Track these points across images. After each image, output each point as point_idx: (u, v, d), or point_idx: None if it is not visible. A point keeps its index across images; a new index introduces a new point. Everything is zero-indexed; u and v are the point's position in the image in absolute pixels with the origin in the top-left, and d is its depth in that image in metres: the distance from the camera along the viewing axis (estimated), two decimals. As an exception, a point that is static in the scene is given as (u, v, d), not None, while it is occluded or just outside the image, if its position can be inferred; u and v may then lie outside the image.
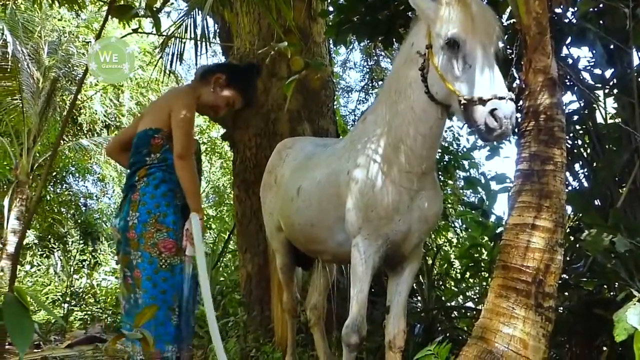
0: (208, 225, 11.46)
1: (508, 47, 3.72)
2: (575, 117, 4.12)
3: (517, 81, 2.86)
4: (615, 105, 4.09)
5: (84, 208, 16.06)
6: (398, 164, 2.95)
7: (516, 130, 2.85)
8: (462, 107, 2.48)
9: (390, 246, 3.09)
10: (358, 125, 3.44)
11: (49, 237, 14.56)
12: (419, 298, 5.37)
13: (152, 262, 3.04)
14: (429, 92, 2.74)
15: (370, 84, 11.45)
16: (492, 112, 2.36)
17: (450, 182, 7.47)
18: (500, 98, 2.37)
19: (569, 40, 3.89)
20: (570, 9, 3.77)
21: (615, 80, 3.92)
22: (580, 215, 3.94)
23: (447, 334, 4.38)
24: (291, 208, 3.63)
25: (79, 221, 15.07)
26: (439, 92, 2.67)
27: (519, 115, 2.90)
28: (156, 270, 3.04)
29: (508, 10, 3.69)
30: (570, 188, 4.01)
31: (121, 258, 3.15)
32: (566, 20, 3.86)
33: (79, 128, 14.69)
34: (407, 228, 3.04)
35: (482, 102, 2.39)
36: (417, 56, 2.78)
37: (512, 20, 3.67)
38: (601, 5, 3.61)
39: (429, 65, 2.69)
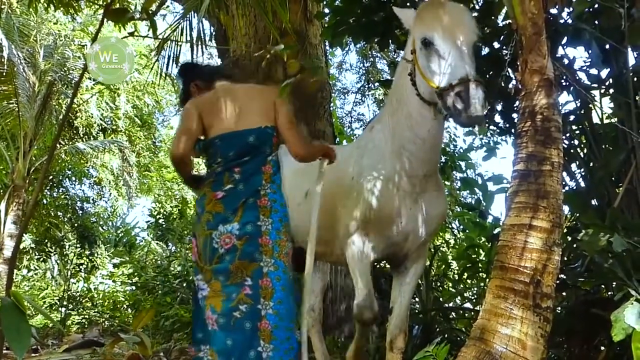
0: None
1: (504, 48, 3.73)
2: (572, 117, 4.13)
3: (513, 82, 2.88)
4: (611, 105, 4.10)
5: (80, 212, 15.97)
6: (401, 169, 3.04)
7: (512, 130, 2.87)
8: (438, 98, 2.63)
9: (391, 246, 3.17)
10: (365, 133, 3.54)
11: (46, 241, 14.49)
12: (417, 299, 5.37)
13: (286, 272, 2.89)
14: (419, 94, 2.86)
15: (367, 86, 11.46)
16: (458, 94, 2.49)
17: (447, 183, 7.48)
18: (466, 81, 2.49)
19: (564, 41, 3.90)
20: (566, 9, 3.77)
21: (611, 80, 3.93)
22: (578, 215, 3.95)
23: (446, 335, 4.38)
24: (298, 212, 3.65)
25: (76, 225, 14.98)
26: (425, 91, 2.81)
27: (515, 115, 2.91)
28: (290, 280, 2.90)
29: (504, 11, 3.70)
30: (567, 188, 4.01)
31: (240, 265, 2.83)
32: (562, 21, 3.87)
33: (75, 132, 14.62)
34: (409, 229, 3.11)
35: (452, 87, 2.52)
36: (407, 63, 2.95)
37: (507, 21, 3.68)
38: (596, 6, 3.62)
39: (415, 68, 2.84)
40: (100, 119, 14.83)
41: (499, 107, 4.38)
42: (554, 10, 3.54)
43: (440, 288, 6.30)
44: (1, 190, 13.32)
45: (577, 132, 4.27)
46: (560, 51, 3.98)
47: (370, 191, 3.09)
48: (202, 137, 3.09)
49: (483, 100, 2.50)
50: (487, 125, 4.90)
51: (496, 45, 4.27)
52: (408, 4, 4.06)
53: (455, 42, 2.65)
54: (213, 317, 2.82)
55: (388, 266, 4.44)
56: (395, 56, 8.65)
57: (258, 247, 2.85)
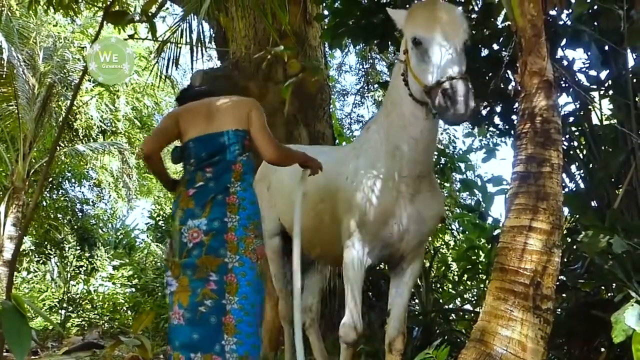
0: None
1: (503, 49, 3.73)
2: (571, 119, 4.13)
3: (513, 83, 2.88)
4: (611, 106, 4.10)
5: (80, 214, 15.93)
6: (394, 170, 3.04)
7: (512, 132, 2.87)
8: (427, 96, 2.65)
9: (387, 247, 3.17)
10: (362, 133, 3.56)
11: (46, 243, 14.45)
12: (417, 301, 5.37)
13: (252, 268, 2.93)
14: (412, 94, 2.87)
15: (366, 87, 11.44)
16: (444, 92, 2.51)
17: (446, 184, 7.48)
18: (452, 78, 2.51)
19: (564, 42, 3.91)
20: (565, 11, 3.78)
21: (610, 82, 3.93)
22: (577, 216, 3.95)
23: (445, 337, 4.38)
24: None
25: (76, 227, 14.94)
26: (416, 91, 2.81)
27: (515, 117, 2.91)
28: (257, 276, 2.95)
29: (503, 12, 3.70)
30: (566, 189, 4.01)
31: (206, 260, 2.90)
32: (561, 23, 3.88)
33: (74, 133, 14.58)
34: (403, 230, 3.10)
35: (439, 85, 2.54)
36: (400, 63, 2.96)
37: (507, 23, 3.68)
38: (596, 7, 3.63)
39: (407, 68, 2.85)
40: (100, 120, 14.80)
41: (498, 109, 4.38)
42: (553, 12, 3.54)
43: (440, 290, 6.28)
44: (1, 193, 13.31)
45: (577, 133, 4.28)
46: (560, 53, 3.99)
47: (365, 191, 3.10)
48: (179, 145, 3.19)
49: (469, 98, 2.51)
50: (486, 126, 4.91)
51: (495, 47, 4.28)
52: (407, 5, 4.06)
53: (445, 40, 2.65)
54: (179, 312, 2.88)
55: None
56: (394, 58, 8.64)
57: (223, 242, 2.91)
